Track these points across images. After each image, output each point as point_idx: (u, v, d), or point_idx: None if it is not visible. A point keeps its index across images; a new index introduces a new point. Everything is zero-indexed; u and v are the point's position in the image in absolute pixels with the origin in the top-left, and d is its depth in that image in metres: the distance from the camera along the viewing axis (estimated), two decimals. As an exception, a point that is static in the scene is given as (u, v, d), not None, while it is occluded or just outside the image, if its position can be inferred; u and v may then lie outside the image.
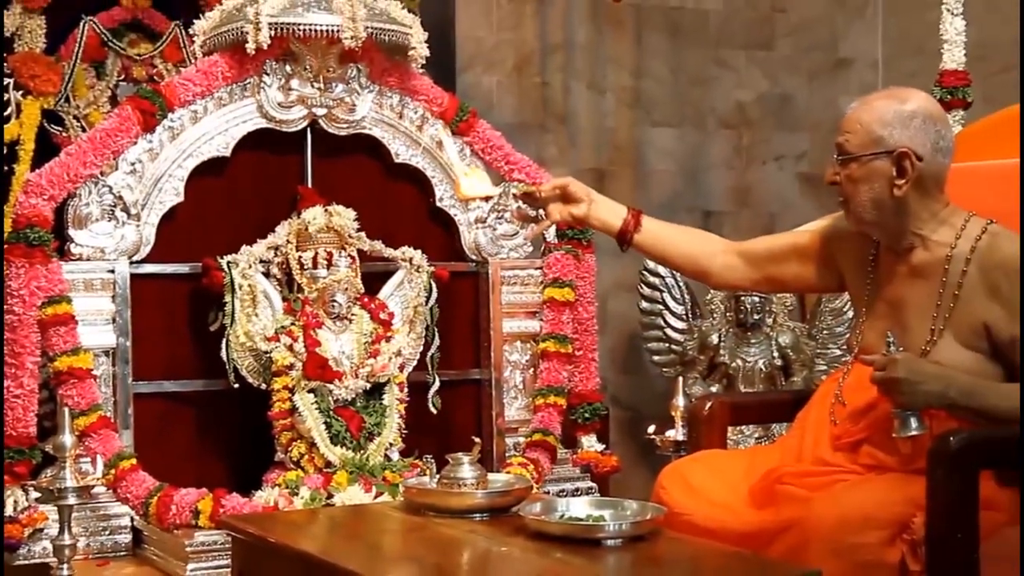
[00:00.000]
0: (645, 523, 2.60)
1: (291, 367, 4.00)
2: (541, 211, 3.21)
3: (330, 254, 4.15)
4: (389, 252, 4.32)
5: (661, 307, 5.78)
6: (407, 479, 3.58)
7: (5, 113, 5.07)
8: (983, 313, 2.75)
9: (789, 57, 6.89)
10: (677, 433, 4.17)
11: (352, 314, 4.14)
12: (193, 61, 4.61)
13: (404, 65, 4.45)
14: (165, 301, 4.20)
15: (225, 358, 4.07)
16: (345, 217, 4.19)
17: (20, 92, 5.12)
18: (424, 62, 4.47)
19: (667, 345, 5.79)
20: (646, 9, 6.53)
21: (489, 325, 4.58)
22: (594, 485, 4.57)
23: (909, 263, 2.87)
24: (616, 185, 6.40)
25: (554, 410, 4.48)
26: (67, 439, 3.47)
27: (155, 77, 5.38)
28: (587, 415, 4.64)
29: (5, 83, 5.07)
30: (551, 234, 4.61)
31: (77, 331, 3.95)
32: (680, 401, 4.23)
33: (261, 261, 4.17)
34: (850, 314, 5.31)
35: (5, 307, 3.90)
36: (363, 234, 4.24)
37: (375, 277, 4.32)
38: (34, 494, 3.68)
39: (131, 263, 4.11)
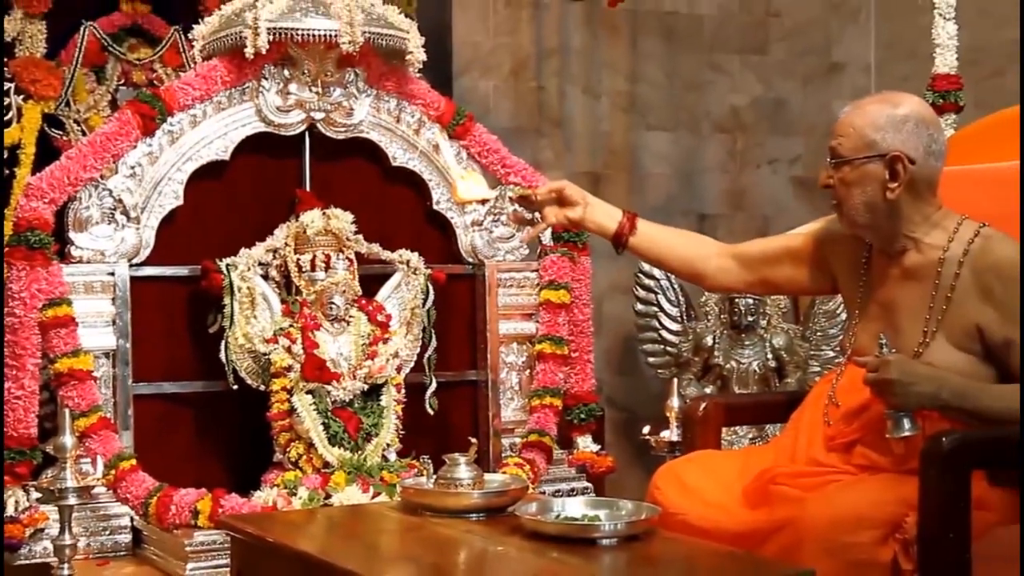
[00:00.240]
0: (640, 523, 2.61)
1: (289, 369, 4.02)
2: (537, 214, 3.22)
3: (328, 257, 4.17)
4: (386, 255, 4.34)
5: (656, 309, 5.80)
6: (404, 479, 3.60)
7: (6, 117, 5.08)
8: (976, 315, 2.75)
9: (783, 61, 6.91)
10: (672, 434, 4.18)
11: (350, 316, 4.16)
12: (192, 66, 4.63)
13: (401, 69, 4.47)
14: (165, 303, 4.22)
15: (224, 360, 4.09)
16: (343, 220, 4.21)
17: (21, 96, 5.13)
18: (421, 66, 4.49)
19: (662, 347, 5.80)
20: (641, 14, 6.54)
21: (485, 327, 4.60)
22: (590, 485, 4.58)
23: (902, 266, 2.88)
24: (611, 189, 6.42)
25: (550, 411, 4.50)
26: (68, 440, 3.49)
27: (155, 81, 5.39)
28: (583, 416, 4.65)
29: (6, 88, 5.09)
30: (547, 237, 4.64)
31: (77, 333, 3.97)
32: (675, 402, 4.25)
33: (260, 264, 4.18)
34: (843, 316, 5.32)
35: (6, 309, 3.91)
36: (361, 237, 4.26)
37: (373, 279, 4.34)
38: (35, 494, 3.70)
39: (131, 266, 4.12)
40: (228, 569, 3.22)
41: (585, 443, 4.66)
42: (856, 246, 3.01)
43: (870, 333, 2.90)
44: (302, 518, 3.26)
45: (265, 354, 4.05)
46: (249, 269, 4.12)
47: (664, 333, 5.80)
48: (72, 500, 3.45)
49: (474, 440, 3.08)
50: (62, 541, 3.47)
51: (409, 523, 2.85)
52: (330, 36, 4.19)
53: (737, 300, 5.66)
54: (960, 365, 2.75)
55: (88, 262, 4.06)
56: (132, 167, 4.13)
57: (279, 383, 4.02)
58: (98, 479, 3.70)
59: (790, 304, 5.84)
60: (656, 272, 5.78)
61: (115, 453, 3.90)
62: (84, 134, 5.09)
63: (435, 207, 4.56)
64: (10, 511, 3.80)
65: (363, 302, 4.22)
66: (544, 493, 4.28)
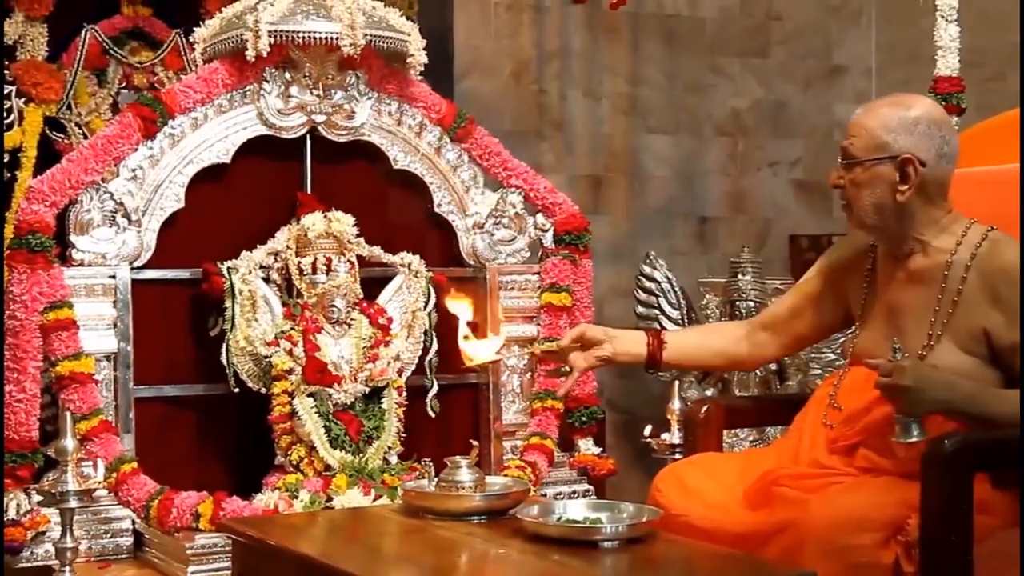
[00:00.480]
0: (641, 525, 2.61)
1: (291, 371, 4.02)
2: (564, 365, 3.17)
3: (329, 259, 4.17)
4: (388, 257, 4.34)
5: (657, 312, 5.80)
6: (406, 482, 3.60)
7: (7, 120, 5.09)
8: (983, 319, 2.75)
9: (784, 64, 6.92)
10: (673, 436, 4.19)
11: (351, 319, 4.16)
12: (193, 68, 4.62)
13: (403, 72, 4.48)
14: (166, 306, 4.22)
15: (225, 363, 4.08)
16: (344, 223, 4.21)
17: (22, 100, 5.13)
18: (422, 69, 4.50)
19: (663, 350, 5.79)
20: (642, 17, 6.55)
21: (487, 329, 4.60)
22: (591, 488, 4.58)
23: (908, 269, 2.88)
24: (612, 192, 6.43)
25: (551, 414, 4.50)
26: (69, 443, 3.50)
27: (156, 84, 5.39)
28: (584, 418, 4.65)
29: (7, 91, 5.09)
30: (548, 239, 4.65)
31: (79, 336, 3.97)
32: (676, 404, 4.26)
33: (261, 267, 4.18)
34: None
35: (7, 312, 3.91)
36: (362, 240, 4.26)
37: (374, 282, 4.34)
38: (36, 497, 3.69)
39: (132, 268, 4.12)
40: (229, 572, 3.22)
41: (586, 446, 4.66)
42: (861, 256, 3.02)
43: (873, 336, 2.91)
44: (303, 521, 3.27)
45: (266, 357, 4.05)
46: (250, 272, 4.12)
47: (665, 336, 5.78)
48: (73, 503, 3.45)
49: (475, 443, 3.08)
50: (63, 544, 3.48)
51: (410, 526, 2.85)
52: (331, 39, 4.19)
53: (738, 303, 5.66)
54: (965, 368, 2.75)
55: (89, 265, 4.06)
56: (133, 170, 4.13)
57: (280, 386, 4.02)
58: (99, 482, 3.71)
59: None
60: (656, 274, 5.78)
61: (116, 456, 3.90)
62: (85, 137, 5.08)
63: (436, 210, 4.56)
64: (11, 514, 3.80)
65: (364, 305, 4.22)
66: (545, 496, 4.29)
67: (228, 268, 4.10)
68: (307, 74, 4.30)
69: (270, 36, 4.12)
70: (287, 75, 4.29)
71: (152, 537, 3.92)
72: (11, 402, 3.88)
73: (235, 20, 4.23)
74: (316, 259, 4.16)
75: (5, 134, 5.04)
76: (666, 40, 6.63)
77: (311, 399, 4.01)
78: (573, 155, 6.37)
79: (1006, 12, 5.61)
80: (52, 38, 5.29)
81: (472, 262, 4.59)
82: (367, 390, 4.12)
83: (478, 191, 4.60)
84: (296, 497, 3.85)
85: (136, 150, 4.13)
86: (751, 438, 5.44)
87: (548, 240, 4.66)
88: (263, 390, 4.09)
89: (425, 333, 4.34)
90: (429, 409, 4.36)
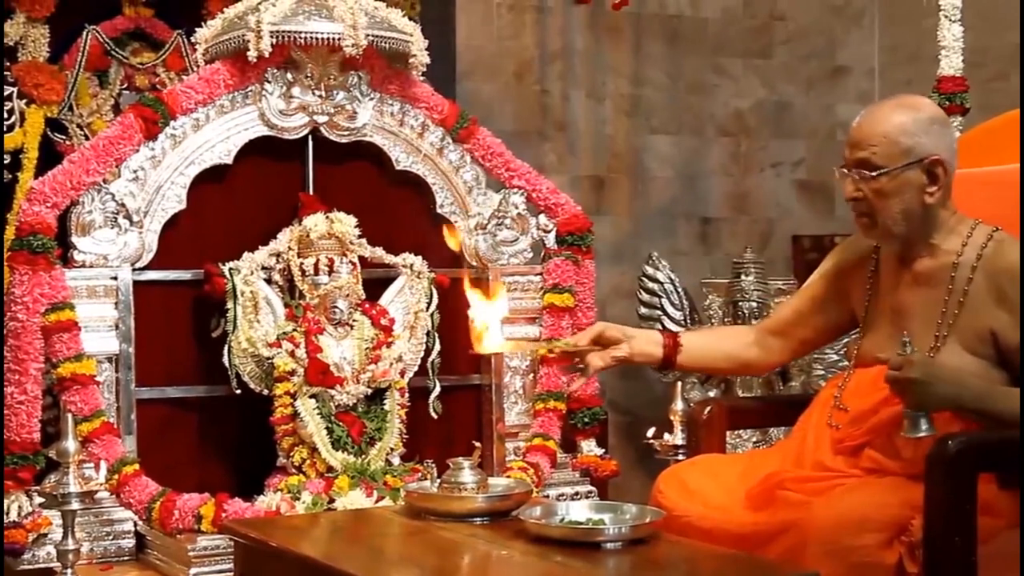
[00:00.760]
0: (644, 526, 2.61)
1: (293, 373, 4.02)
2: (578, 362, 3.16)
3: (331, 260, 4.16)
4: (390, 258, 4.34)
5: (660, 312, 5.80)
6: (408, 483, 3.60)
7: (9, 122, 5.09)
8: (990, 320, 2.75)
9: (786, 65, 6.92)
10: (676, 437, 4.19)
11: (353, 320, 4.16)
12: (195, 69, 4.63)
13: (405, 73, 4.47)
14: (168, 307, 4.21)
15: (227, 364, 4.08)
16: (346, 224, 4.20)
17: (24, 101, 5.14)
18: (425, 70, 4.49)
19: (666, 350, 5.79)
20: (645, 17, 6.55)
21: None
22: (593, 489, 4.57)
23: (913, 271, 2.88)
24: (615, 192, 6.43)
25: (554, 415, 4.49)
26: (70, 445, 3.50)
27: (158, 85, 5.39)
28: (586, 420, 4.65)
29: (9, 92, 5.09)
30: (551, 240, 4.65)
31: (80, 337, 3.96)
32: (679, 405, 4.25)
33: (263, 268, 4.18)
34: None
35: (9, 314, 3.91)
36: (364, 240, 4.26)
37: (376, 283, 4.33)
38: (38, 499, 3.69)
39: (134, 270, 4.12)
40: (231, 574, 3.22)
41: (589, 447, 4.66)
42: (865, 258, 3.01)
43: (877, 339, 2.91)
44: (305, 522, 3.26)
45: (268, 358, 4.05)
46: (252, 273, 4.12)
47: (667, 337, 5.78)
48: (75, 505, 3.46)
49: (478, 444, 3.08)
50: (65, 546, 3.48)
51: (413, 527, 2.85)
52: (333, 39, 4.18)
53: (740, 303, 5.66)
54: (972, 370, 2.75)
55: (91, 266, 4.06)
56: (135, 171, 4.12)
57: (282, 387, 4.02)
58: (101, 484, 3.70)
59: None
60: (659, 275, 5.78)
61: (118, 458, 3.90)
62: (87, 138, 5.08)
63: (438, 210, 4.55)
64: (13, 516, 3.80)
65: (366, 306, 4.21)
66: (548, 497, 4.28)
67: (230, 269, 4.10)
68: (309, 75, 4.29)
69: (272, 37, 4.11)
70: (289, 76, 4.29)
71: (154, 539, 3.92)
72: (12, 404, 3.87)
73: (237, 21, 4.22)
74: (318, 260, 4.15)
75: (6, 135, 5.05)
76: (669, 40, 6.63)
77: (313, 400, 4.01)
78: (576, 156, 6.37)
79: (1008, 12, 5.61)
80: (53, 39, 5.30)
81: (474, 263, 4.59)
82: (369, 391, 4.11)
83: (480, 192, 4.59)
84: (298, 499, 3.84)
85: (138, 151, 4.13)
86: (754, 439, 5.44)
87: (550, 241, 4.66)
88: (265, 391, 4.09)
89: (427, 334, 4.34)
90: (431, 410, 4.35)
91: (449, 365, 4.46)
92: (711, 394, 5.63)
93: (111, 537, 3.97)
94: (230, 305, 4.08)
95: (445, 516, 2.85)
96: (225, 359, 4.08)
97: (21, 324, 3.89)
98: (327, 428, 4.00)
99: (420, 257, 4.36)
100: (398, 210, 4.55)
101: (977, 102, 4.98)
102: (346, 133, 4.39)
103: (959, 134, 4.53)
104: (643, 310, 5.84)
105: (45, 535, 3.81)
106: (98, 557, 3.93)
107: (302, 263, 4.17)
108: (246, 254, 4.16)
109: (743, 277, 5.75)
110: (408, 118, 4.48)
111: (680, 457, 4.00)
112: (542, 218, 4.67)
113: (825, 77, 7.02)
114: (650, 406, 5.95)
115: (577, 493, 4.50)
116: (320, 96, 4.31)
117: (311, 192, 4.37)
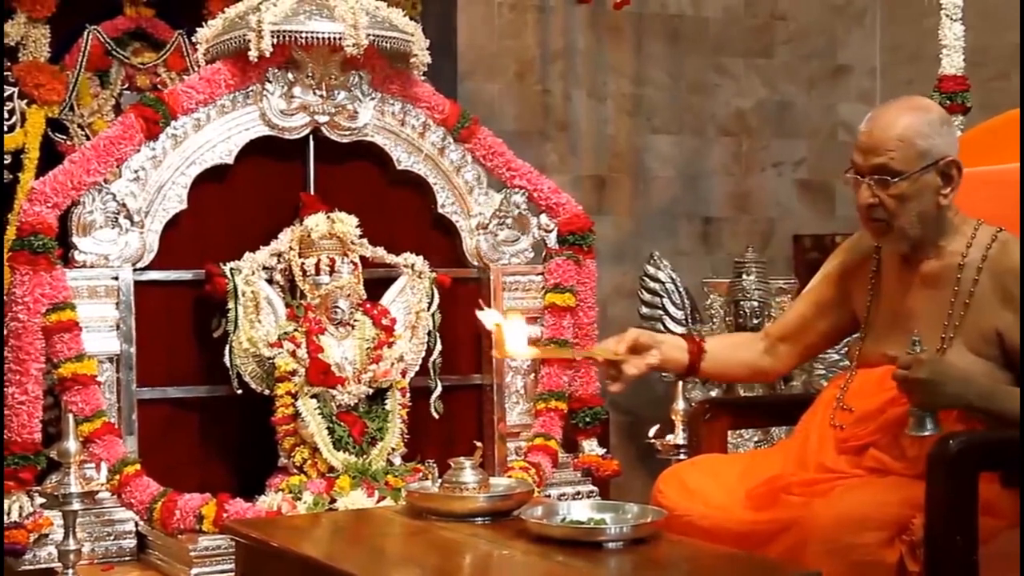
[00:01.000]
0: (645, 526, 2.62)
1: (294, 373, 4.01)
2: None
3: (332, 260, 4.16)
4: (391, 258, 4.34)
5: (661, 312, 5.80)
6: (409, 483, 3.60)
7: (10, 122, 5.09)
8: (996, 320, 2.75)
9: (788, 64, 6.92)
10: (677, 437, 4.19)
11: (354, 320, 4.15)
12: (196, 69, 4.63)
13: (406, 73, 4.47)
14: (169, 308, 4.21)
15: (228, 364, 4.08)
16: (347, 224, 4.20)
17: (25, 101, 5.14)
18: (426, 70, 4.49)
19: (667, 350, 5.78)
20: (646, 17, 6.55)
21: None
22: (595, 489, 4.57)
23: (919, 272, 2.87)
24: (616, 192, 6.43)
25: (555, 414, 4.49)
26: (71, 445, 3.50)
27: (158, 85, 5.40)
28: (588, 419, 4.65)
29: (9, 92, 5.09)
30: (552, 240, 4.65)
31: (81, 338, 3.96)
32: (680, 405, 4.25)
33: (264, 268, 4.18)
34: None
35: (10, 314, 3.91)
36: (365, 240, 4.25)
37: (377, 283, 4.33)
38: (39, 500, 3.69)
39: (135, 270, 4.11)
40: (233, 574, 3.22)
41: (590, 446, 4.66)
42: (866, 259, 3.01)
43: (880, 340, 2.90)
44: (307, 523, 3.27)
45: (269, 358, 4.05)
46: (253, 273, 4.12)
47: (669, 336, 5.78)
48: (76, 505, 3.46)
49: (479, 444, 3.08)
50: (66, 546, 3.48)
51: (414, 527, 2.85)
52: (334, 39, 4.18)
53: (742, 303, 5.66)
54: (978, 370, 2.74)
55: (92, 266, 4.05)
56: (136, 171, 4.12)
57: (283, 387, 4.02)
58: (102, 484, 3.71)
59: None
60: (661, 275, 5.78)
61: (119, 458, 3.90)
62: (88, 138, 5.08)
63: (440, 210, 4.55)
64: (14, 516, 3.80)
65: (368, 306, 4.21)
66: (549, 496, 4.28)
67: (231, 269, 4.10)
68: (310, 74, 4.29)
69: (273, 36, 4.11)
70: (290, 75, 4.29)
71: (155, 539, 3.92)
72: (13, 404, 3.87)
73: (238, 20, 4.22)
74: (319, 260, 4.15)
75: (7, 135, 5.05)
76: (670, 40, 6.63)
77: (314, 400, 4.01)
78: (577, 155, 6.37)
79: (1008, 11, 5.61)
80: (54, 39, 5.31)
81: (476, 263, 4.59)
82: (371, 391, 4.11)
83: (482, 192, 4.59)
84: (299, 499, 3.84)
85: (138, 151, 4.12)
86: (755, 439, 5.44)
87: (552, 241, 4.66)
88: (266, 391, 4.09)
89: (429, 334, 4.34)
90: (433, 410, 4.35)
91: (450, 365, 4.47)
92: (712, 394, 5.63)
93: (112, 537, 3.97)
94: (231, 305, 4.08)
95: (446, 516, 2.85)
96: (226, 359, 4.08)
97: (22, 324, 3.89)
98: (328, 428, 4.00)
99: (421, 257, 4.36)
100: (399, 210, 4.55)
101: (978, 101, 4.98)
102: (347, 133, 4.39)
103: (960, 133, 4.54)
104: (644, 310, 5.84)
105: (46, 535, 3.81)
106: (99, 557, 3.92)
107: (303, 263, 4.17)
108: (247, 254, 4.16)
109: (744, 277, 5.74)
110: (409, 118, 4.48)
111: (681, 457, 4.00)
112: (543, 218, 4.67)
113: (826, 77, 7.02)
114: (651, 406, 5.94)
115: (578, 493, 4.50)
116: (321, 96, 4.31)
117: (312, 192, 4.37)
